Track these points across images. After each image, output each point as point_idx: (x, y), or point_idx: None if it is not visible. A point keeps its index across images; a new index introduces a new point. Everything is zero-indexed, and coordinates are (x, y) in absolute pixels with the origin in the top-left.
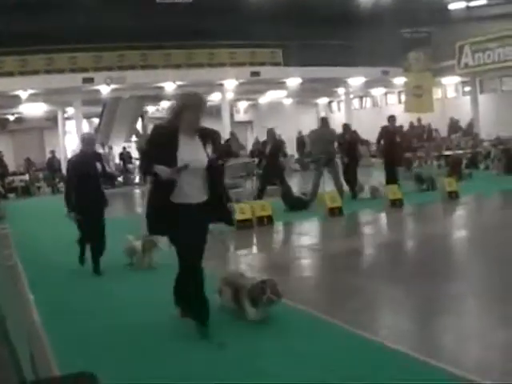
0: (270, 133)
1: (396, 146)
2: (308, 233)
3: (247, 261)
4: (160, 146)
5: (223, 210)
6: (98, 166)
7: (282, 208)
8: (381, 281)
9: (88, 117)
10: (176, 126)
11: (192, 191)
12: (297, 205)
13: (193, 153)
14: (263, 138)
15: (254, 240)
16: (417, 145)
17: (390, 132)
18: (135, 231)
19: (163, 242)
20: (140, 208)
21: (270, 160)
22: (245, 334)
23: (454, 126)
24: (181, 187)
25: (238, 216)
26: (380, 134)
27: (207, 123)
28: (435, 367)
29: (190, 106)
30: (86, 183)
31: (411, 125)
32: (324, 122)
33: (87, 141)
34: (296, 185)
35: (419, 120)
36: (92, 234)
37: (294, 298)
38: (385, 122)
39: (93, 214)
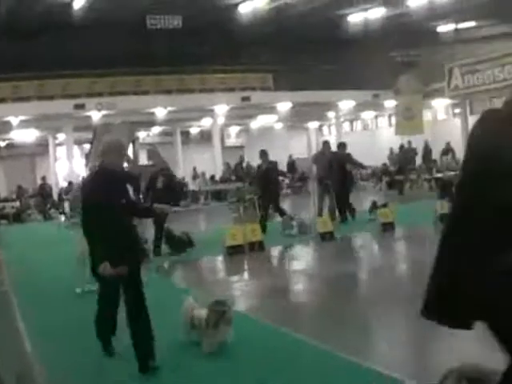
0: (263, 154)
1: (346, 173)
2: (300, 257)
3: (239, 287)
4: None
5: None
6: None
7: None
8: (373, 305)
9: (79, 143)
10: None
11: None
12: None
13: None
14: (254, 162)
15: (246, 266)
16: (409, 167)
17: (324, 157)
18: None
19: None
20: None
21: (264, 182)
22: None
23: (446, 148)
24: None
25: (228, 242)
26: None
27: (199, 148)
28: None
29: None
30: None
31: (402, 147)
32: (326, 145)
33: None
34: (289, 209)
35: (409, 142)
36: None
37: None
38: (376, 145)
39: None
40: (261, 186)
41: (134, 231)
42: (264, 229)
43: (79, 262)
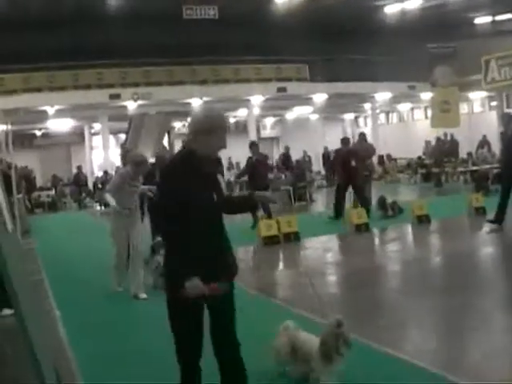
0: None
1: (350, 168)
2: (333, 249)
3: (274, 278)
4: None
5: None
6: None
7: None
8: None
9: (115, 132)
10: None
11: None
12: None
13: None
14: (293, 154)
15: (281, 256)
16: (445, 160)
17: (343, 154)
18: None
19: None
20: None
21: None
22: None
23: (482, 142)
24: None
25: (264, 232)
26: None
27: (234, 139)
28: None
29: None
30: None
31: (438, 140)
32: (362, 136)
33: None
34: (323, 200)
35: (446, 135)
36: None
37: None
38: (412, 137)
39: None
40: (249, 176)
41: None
42: None
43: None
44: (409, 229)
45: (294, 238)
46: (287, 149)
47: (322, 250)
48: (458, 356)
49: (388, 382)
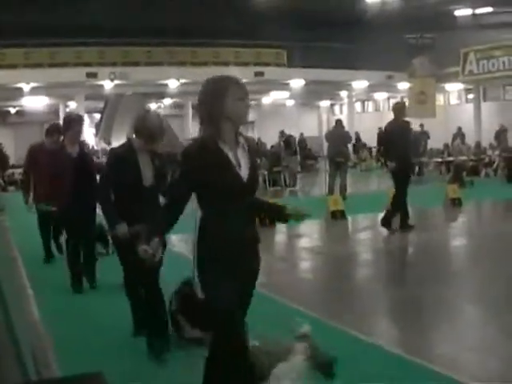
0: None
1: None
2: (309, 235)
3: None
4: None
5: None
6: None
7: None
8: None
9: (90, 111)
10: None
11: None
12: None
13: None
14: (265, 139)
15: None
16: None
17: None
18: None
19: None
20: None
21: None
22: None
23: (457, 134)
24: None
25: None
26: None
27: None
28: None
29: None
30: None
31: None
32: (338, 123)
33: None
34: (300, 187)
35: (421, 125)
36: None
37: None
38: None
39: None
40: None
41: None
42: None
43: None
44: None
45: (269, 223)
46: (302, 134)
47: (298, 236)
48: (432, 345)
49: (368, 369)
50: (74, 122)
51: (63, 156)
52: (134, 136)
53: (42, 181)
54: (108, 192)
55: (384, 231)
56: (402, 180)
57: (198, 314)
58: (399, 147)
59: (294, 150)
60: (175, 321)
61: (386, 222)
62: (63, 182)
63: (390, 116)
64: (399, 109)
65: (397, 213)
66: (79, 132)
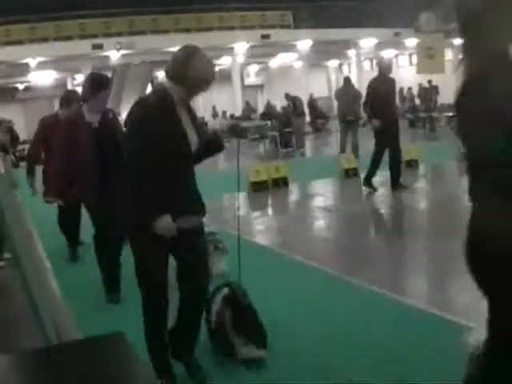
0: None
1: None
2: (323, 194)
3: (263, 223)
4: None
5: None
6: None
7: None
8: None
9: None
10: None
11: None
12: None
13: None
14: (275, 101)
15: (270, 202)
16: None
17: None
18: None
19: None
20: None
21: None
22: None
23: None
24: None
25: (252, 178)
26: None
27: (218, 87)
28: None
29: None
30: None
31: (420, 87)
32: (347, 81)
33: None
34: (312, 147)
35: (429, 82)
36: None
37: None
38: (397, 84)
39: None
40: None
41: None
42: None
43: None
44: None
45: (283, 184)
46: (312, 95)
47: (313, 195)
48: (453, 297)
49: (389, 325)
50: (101, 87)
51: (81, 127)
52: (170, 82)
53: (55, 163)
54: (144, 169)
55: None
56: (385, 138)
57: (251, 326)
58: (383, 104)
59: (300, 111)
60: (224, 338)
61: (366, 182)
62: (83, 162)
63: (399, 73)
64: (384, 65)
65: (375, 171)
66: (105, 100)
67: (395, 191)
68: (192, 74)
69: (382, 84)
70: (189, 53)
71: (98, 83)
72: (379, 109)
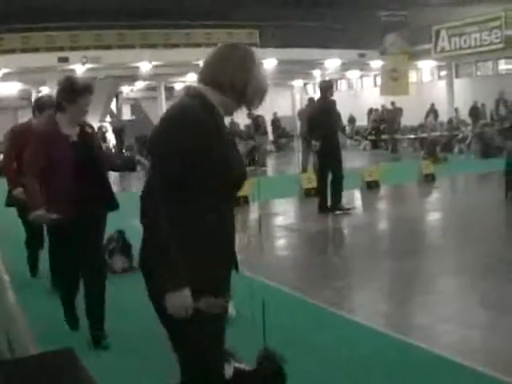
0: None
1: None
2: (283, 213)
3: None
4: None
5: None
6: None
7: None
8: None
9: None
10: None
11: None
12: None
13: None
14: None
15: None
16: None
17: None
18: None
19: None
20: None
21: None
22: None
23: (430, 110)
24: None
25: None
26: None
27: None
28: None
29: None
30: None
31: (383, 108)
32: (311, 101)
33: None
34: (274, 165)
35: (393, 103)
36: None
37: (272, 277)
38: (360, 105)
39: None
40: None
41: None
42: None
43: None
44: (358, 194)
45: (243, 202)
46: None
47: (273, 214)
48: (411, 319)
49: (344, 345)
50: (82, 91)
51: (60, 140)
52: (208, 90)
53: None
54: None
55: (359, 206)
56: (326, 161)
57: None
58: (324, 127)
59: (263, 129)
60: None
61: (320, 208)
62: (61, 177)
63: (364, 94)
64: (326, 87)
65: (324, 193)
66: (86, 106)
67: (335, 213)
68: (253, 83)
69: (324, 106)
70: (246, 56)
71: (78, 87)
72: (319, 131)
